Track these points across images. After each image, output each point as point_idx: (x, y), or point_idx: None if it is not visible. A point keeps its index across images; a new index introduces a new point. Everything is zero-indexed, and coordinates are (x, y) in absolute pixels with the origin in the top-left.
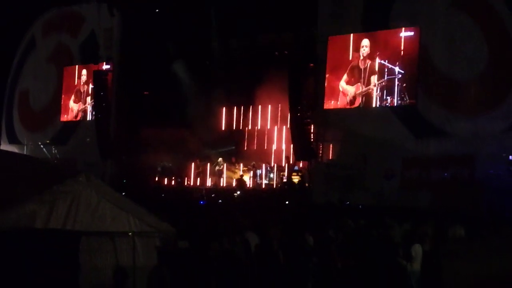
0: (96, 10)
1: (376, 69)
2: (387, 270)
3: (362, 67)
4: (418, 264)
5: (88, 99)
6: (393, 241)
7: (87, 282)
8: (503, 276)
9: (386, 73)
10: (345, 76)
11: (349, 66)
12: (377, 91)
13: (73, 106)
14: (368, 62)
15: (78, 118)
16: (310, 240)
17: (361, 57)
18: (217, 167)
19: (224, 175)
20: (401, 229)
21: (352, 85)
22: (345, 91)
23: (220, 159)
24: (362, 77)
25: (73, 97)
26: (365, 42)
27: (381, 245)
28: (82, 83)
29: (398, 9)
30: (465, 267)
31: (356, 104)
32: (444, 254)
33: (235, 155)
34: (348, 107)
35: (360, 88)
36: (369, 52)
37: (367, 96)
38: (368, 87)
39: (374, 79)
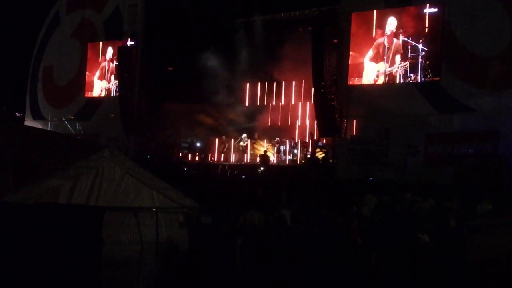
0: None
1: (401, 48)
2: (408, 246)
3: (387, 45)
4: None
5: (112, 82)
6: (416, 217)
7: (110, 257)
8: None
9: (409, 50)
10: (370, 52)
11: (374, 43)
12: (400, 69)
13: (98, 83)
14: (394, 41)
15: (103, 95)
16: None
17: (386, 34)
18: (241, 143)
19: (248, 151)
20: (426, 205)
21: (377, 62)
22: (368, 68)
23: (244, 135)
24: (386, 55)
25: (98, 73)
26: (391, 19)
27: (404, 220)
28: (106, 60)
29: None
30: (488, 242)
31: (380, 81)
32: (467, 229)
33: (258, 131)
34: (371, 83)
35: (384, 67)
36: (394, 30)
37: (391, 75)
38: (392, 67)
39: (398, 59)
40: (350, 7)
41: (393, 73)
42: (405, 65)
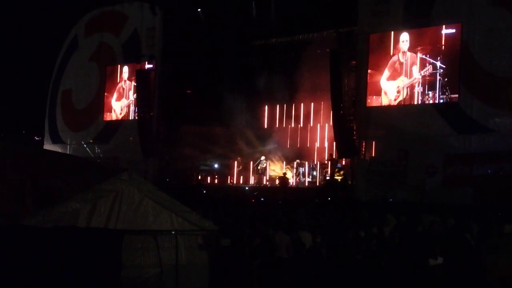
0: (138, 10)
1: (418, 60)
2: (426, 267)
3: (403, 60)
4: None
5: (131, 98)
6: (436, 238)
7: (129, 280)
8: None
9: (427, 68)
10: (386, 72)
11: (389, 63)
12: (418, 86)
13: (116, 105)
14: (408, 54)
15: (121, 117)
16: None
17: (401, 51)
18: (259, 166)
19: (268, 173)
20: (445, 225)
21: (395, 79)
22: (386, 88)
23: (263, 157)
24: (404, 70)
25: (115, 95)
26: (405, 36)
27: (423, 241)
28: (124, 82)
29: (439, 6)
30: (507, 261)
31: (400, 97)
32: (487, 248)
33: (277, 153)
34: (391, 104)
35: (403, 80)
36: (409, 46)
37: (411, 88)
38: (412, 78)
39: (416, 69)
40: (368, 28)
41: (413, 84)
42: (425, 71)
